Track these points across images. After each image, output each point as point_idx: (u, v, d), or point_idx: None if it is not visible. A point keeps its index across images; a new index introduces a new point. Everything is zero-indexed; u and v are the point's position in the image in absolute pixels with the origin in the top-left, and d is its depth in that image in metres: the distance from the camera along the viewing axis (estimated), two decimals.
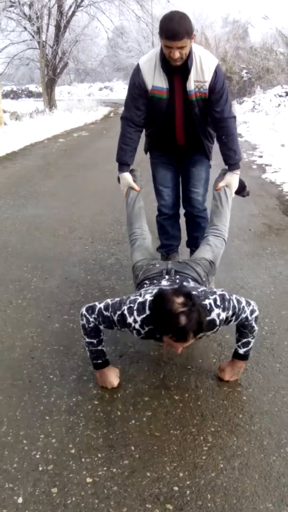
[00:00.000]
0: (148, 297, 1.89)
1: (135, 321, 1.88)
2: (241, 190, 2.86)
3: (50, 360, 2.38)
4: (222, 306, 1.88)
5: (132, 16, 18.06)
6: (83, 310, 2.01)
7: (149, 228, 2.66)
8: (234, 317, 1.94)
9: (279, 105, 13.26)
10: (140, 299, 1.91)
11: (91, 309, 2.00)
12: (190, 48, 2.45)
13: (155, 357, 2.37)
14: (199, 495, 1.61)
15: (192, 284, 2.09)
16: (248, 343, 2.08)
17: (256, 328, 2.02)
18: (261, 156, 7.85)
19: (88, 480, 1.68)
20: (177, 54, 2.39)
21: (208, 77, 2.53)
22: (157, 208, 3.18)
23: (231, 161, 2.70)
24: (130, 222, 2.70)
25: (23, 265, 3.56)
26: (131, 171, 2.80)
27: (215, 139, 2.83)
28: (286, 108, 12.75)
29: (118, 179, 2.83)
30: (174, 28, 2.33)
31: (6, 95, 27.67)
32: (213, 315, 1.87)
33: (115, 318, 1.92)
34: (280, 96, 14.21)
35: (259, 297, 2.96)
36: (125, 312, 1.90)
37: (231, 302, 1.91)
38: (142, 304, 1.89)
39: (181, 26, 2.33)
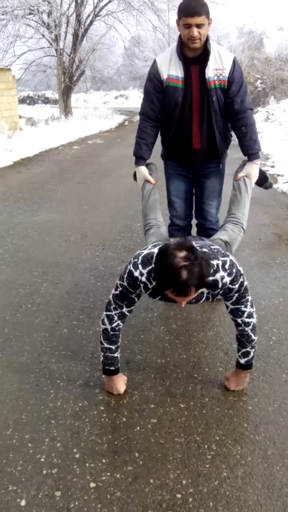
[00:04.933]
0: (155, 250, 1.84)
1: (141, 274, 1.85)
2: (263, 181, 2.83)
3: (58, 365, 2.40)
4: (229, 270, 1.83)
5: (149, 26, 18.19)
6: (103, 314, 2.03)
7: None
8: (235, 293, 1.89)
9: None
10: (145, 252, 1.88)
11: (108, 305, 2.01)
12: (207, 37, 2.51)
13: (161, 365, 2.38)
14: (202, 503, 1.61)
15: (207, 242, 2.03)
16: (248, 353, 2.06)
17: (253, 338, 2.01)
18: (273, 166, 7.83)
19: (92, 484, 1.69)
20: (195, 32, 2.44)
21: (227, 65, 2.56)
22: (169, 218, 3.18)
23: (251, 151, 2.70)
24: (145, 214, 2.67)
25: (33, 270, 3.60)
26: (147, 165, 2.82)
27: (229, 145, 2.83)
28: None
29: (134, 175, 2.85)
30: (194, 5, 2.43)
31: (22, 101, 28.01)
32: (217, 276, 1.82)
33: (125, 282, 1.89)
34: None
35: (267, 307, 2.96)
36: (131, 268, 1.87)
37: (239, 275, 1.85)
38: (147, 256, 1.86)
39: (199, 4, 2.44)
